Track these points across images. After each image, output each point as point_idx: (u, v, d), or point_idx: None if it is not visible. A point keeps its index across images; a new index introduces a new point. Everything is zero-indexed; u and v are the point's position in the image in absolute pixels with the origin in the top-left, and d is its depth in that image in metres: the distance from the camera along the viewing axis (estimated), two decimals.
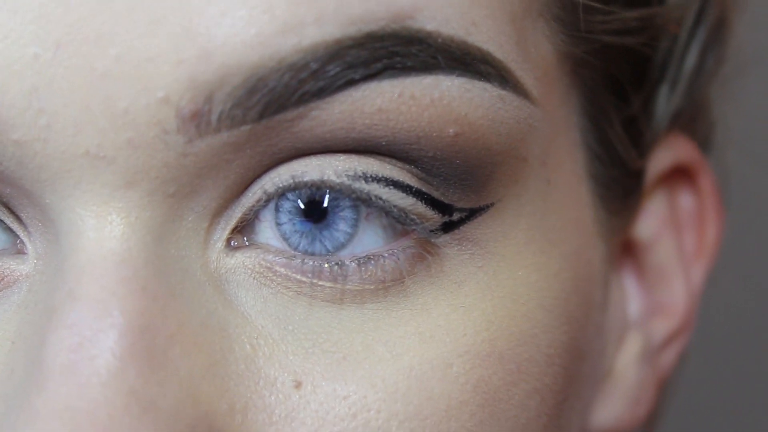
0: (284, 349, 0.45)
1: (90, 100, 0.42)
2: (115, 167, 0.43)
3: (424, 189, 0.45)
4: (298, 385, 0.44)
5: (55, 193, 0.43)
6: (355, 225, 0.46)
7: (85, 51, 0.42)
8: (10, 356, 0.44)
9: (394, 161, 0.45)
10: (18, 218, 0.45)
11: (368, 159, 0.45)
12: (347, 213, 0.46)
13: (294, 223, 0.46)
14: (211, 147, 0.43)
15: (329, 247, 0.46)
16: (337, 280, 0.45)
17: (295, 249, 0.46)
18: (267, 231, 0.46)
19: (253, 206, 0.45)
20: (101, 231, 0.43)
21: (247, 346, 0.45)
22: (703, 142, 0.63)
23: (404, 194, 0.45)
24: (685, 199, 0.60)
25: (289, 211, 0.46)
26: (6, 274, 0.46)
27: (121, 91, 0.42)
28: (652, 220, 0.59)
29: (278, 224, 0.46)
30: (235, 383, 0.44)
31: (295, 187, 0.45)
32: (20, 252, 0.46)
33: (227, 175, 0.44)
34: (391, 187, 0.45)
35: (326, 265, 0.45)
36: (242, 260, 0.45)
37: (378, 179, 0.45)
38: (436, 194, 0.46)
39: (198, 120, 0.42)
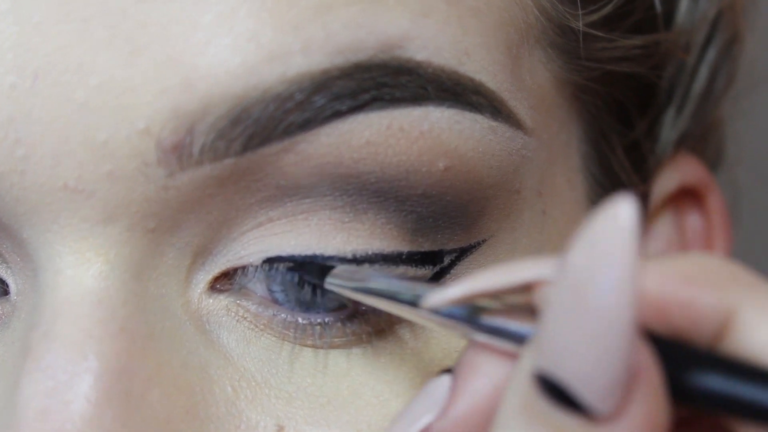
0: (267, 393, 0.44)
1: (69, 132, 0.41)
2: (94, 201, 0.41)
3: (413, 249, 0.44)
4: (280, 429, 0.43)
5: (33, 228, 0.42)
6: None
7: (64, 81, 0.41)
8: None
9: (382, 214, 0.43)
10: (1, 255, 0.44)
11: (356, 225, 0.43)
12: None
13: (285, 293, 0.44)
14: (193, 180, 0.41)
15: (318, 310, 0.44)
16: (323, 336, 0.44)
17: (282, 304, 0.44)
18: (254, 278, 0.44)
19: (242, 266, 0.44)
20: (79, 268, 0.42)
21: (229, 389, 0.43)
22: (714, 160, 0.62)
23: (394, 266, 0.44)
24: (692, 220, 0.58)
25: (281, 283, 0.44)
26: None
27: (101, 121, 0.41)
28: (658, 242, 0.57)
29: (270, 290, 0.44)
30: (215, 426, 0.43)
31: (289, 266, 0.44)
32: (5, 293, 0.45)
33: (210, 211, 0.43)
34: (381, 262, 0.44)
35: (309, 330, 0.44)
36: (225, 303, 0.44)
37: (368, 258, 0.44)
38: (426, 246, 0.44)
39: (179, 152, 0.41)
